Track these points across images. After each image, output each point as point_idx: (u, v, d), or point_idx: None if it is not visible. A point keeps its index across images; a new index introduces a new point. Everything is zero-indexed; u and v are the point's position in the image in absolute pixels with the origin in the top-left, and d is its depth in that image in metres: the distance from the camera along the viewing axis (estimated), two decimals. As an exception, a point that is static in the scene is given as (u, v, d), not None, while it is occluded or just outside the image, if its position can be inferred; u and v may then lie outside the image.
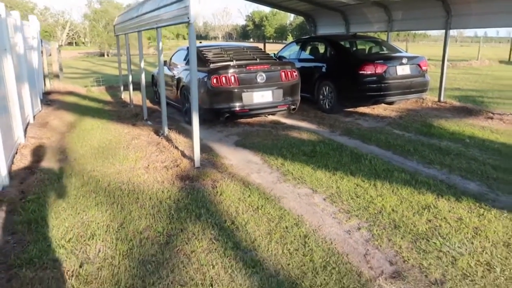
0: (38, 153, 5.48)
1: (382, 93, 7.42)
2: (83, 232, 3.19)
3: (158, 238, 3.09)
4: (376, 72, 7.31)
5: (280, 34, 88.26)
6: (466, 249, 2.90)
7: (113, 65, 23.07)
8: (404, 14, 9.23)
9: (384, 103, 8.37)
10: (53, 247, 2.95)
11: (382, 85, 7.35)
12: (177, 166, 4.77)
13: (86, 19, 54.91)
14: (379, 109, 8.24)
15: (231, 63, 6.61)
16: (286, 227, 3.27)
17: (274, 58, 8.06)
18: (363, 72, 7.30)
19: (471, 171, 4.52)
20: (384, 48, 8.60)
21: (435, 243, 2.99)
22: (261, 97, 6.60)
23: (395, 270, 2.69)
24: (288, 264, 2.74)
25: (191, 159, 4.97)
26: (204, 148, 5.47)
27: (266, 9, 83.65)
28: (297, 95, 7.03)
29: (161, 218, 3.42)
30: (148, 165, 4.88)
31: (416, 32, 52.42)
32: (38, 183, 4.30)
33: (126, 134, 6.45)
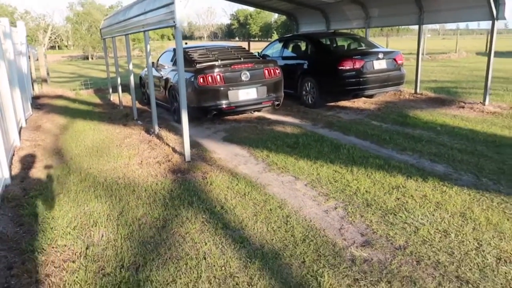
0: (34, 154, 5.75)
1: (360, 87, 7.83)
2: (86, 221, 3.52)
3: (155, 223, 3.43)
4: (355, 67, 7.72)
5: (265, 32, 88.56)
6: (428, 220, 3.30)
7: (99, 68, 23.18)
8: (380, 11, 9.67)
9: (364, 97, 8.79)
10: (60, 234, 3.27)
11: (361, 79, 7.76)
12: (169, 161, 5.10)
13: (69, 22, 54.38)
14: (359, 103, 8.65)
15: (216, 63, 6.94)
16: (270, 209, 3.63)
17: (258, 57, 8.41)
18: (342, 67, 7.70)
19: (439, 155, 4.94)
20: (362, 44, 9.01)
21: (401, 216, 3.39)
22: (246, 94, 6.95)
23: (366, 240, 3.07)
24: (272, 239, 3.11)
25: (182, 154, 5.30)
26: (194, 144, 5.80)
27: (250, 8, 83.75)
28: (280, 92, 7.40)
29: (156, 206, 3.76)
30: (142, 161, 5.20)
31: (397, 26, 53.16)
32: (38, 181, 4.60)
33: (118, 134, 6.75)
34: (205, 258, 2.86)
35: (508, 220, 3.25)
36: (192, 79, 6.77)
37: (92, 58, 39.27)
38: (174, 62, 7.96)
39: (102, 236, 3.24)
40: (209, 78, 6.74)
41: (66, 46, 59.83)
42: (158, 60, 8.95)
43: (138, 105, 9.14)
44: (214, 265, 2.77)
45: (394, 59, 8.17)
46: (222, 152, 5.58)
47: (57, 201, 3.97)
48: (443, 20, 8.57)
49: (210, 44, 8.84)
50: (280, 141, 5.87)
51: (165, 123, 7.39)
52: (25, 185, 4.50)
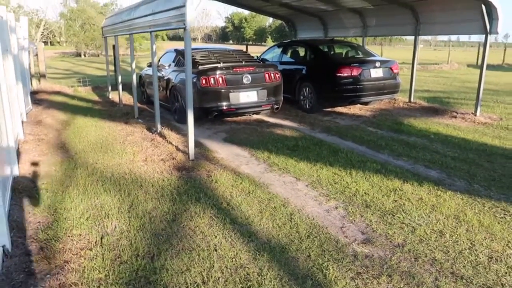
0: (39, 148, 5.85)
1: (357, 94, 8.07)
2: (97, 213, 3.65)
3: (165, 216, 3.58)
4: (352, 74, 7.95)
5: (260, 36, 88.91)
6: (424, 221, 3.50)
7: (93, 66, 23.18)
8: (377, 20, 9.95)
9: (360, 104, 9.03)
10: (74, 224, 3.40)
11: (358, 86, 8.00)
12: (173, 159, 5.24)
13: (62, 18, 53.99)
14: (355, 109, 8.89)
15: (219, 65, 7.11)
16: (275, 207, 3.81)
17: (258, 60, 8.59)
18: (340, 74, 7.93)
19: (433, 162, 5.17)
20: (359, 52, 9.27)
21: (399, 217, 3.59)
22: (247, 97, 7.13)
23: (366, 238, 3.26)
24: (278, 235, 3.28)
25: (185, 152, 5.45)
26: (196, 144, 5.90)
27: (245, 12, 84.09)
28: (280, 95, 7.60)
29: (165, 201, 3.90)
30: (146, 158, 5.33)
31: (393, 36, 53.96)
32: (46, 173, 4.72)
33: (120, 131, 6.87)
34: (216, 250, 3.02)
35: (498, 223, 3.47)
36: (195, 80, 6.92)
37: (84, 55, 39.10)
38: (176, 62, 8.11)
39: (115, 227, 3.37)
40: (212, 79, 6.90)
41: (59, 43, 59.35)
42: (159, 60, 9.07)
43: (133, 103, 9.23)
44: (225, 257, 2.93)
45: (390, 68, 8.43)
46: (224, 152, 5.74)
47: (67, 193, 4.08)
48: (438, 32, 8.87)
49: (211, 47, 9.01)
50: (280, 143, 6.06)
51: (166, 123, 7.51)
52: (33, 177, 4.61)
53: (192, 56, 7.54)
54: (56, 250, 2.99)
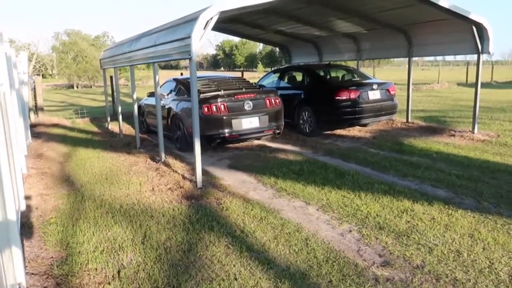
0: (43, 181, 5.81)
1: (356, 116, 8.18)
2: (111, 245, 3.61)
3: (181, 246, 3.55)
4: (351, 97, 8.09)
5: (250, 62, 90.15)
6: (440, 241, 3.51)
7: (88, 97, 23.32)
8: (371, 44, 10.20)
9: (359, 125, 9.13)
10: (89, 258, 3.35)
11: (356, 109, 8.12)
12: (180, 188, 5.23)
13: (54, 51, 54.48)
14: (354, 131, 8.99)
15: (220, 93, 7.20)
16: (289, 233, 3.80)
17: (258, 87, 8.71)
18: (339, 97, 8.06)
19: (439, 181, 5.22)
20: (356, 75, 9.46)
21: (414, 238, 3.60)
22: (249, 123, 7.19)
23: (384, 260, 3.26)
24: (296, 261, 3.26)
25: (192, 181, 5.45)
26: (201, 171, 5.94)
27: (236, 39, 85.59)
28: (281, 120, 7.68)
29: (178, 231, 3.88)
30: (153, 188, 5.32)
31: (385, 59, 54.91)
32: (54, 207, 4.67)
33: (124, 161, 6.86)
34: (236, 279, 2.99)
35: (513, 240, 3.49)
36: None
37: (77, 87, 39.30)
38: (177, 92, 8.21)
39: (131, 260, 3.33)
40: (213, 107, 6.97)
41: (51, 75, 59.64)
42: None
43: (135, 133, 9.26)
44: (246, 285, 2.90)
45: (387, 90, 8.59)
46: (230, 179, 5.74)
47: (77, 226, 4.04)
48: (431, 53, 9.13)
49: (210, 75, 9.14)
50: (285, 168, 6.08)
51: (168, 151, 7.51)
52: (40, 212, 4.56)
53: (193, 84, 7.67)
54: (73, 286, 2.94)
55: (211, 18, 4.87)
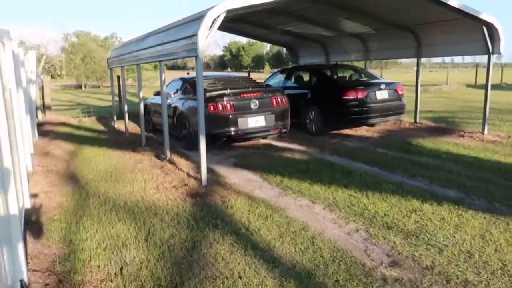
0: (48, 179, 5.79)
1: (364, 115, 8.08)
2: (114, 242, 3.56)
3: (184, 244, 3.49)
4: (358, 97, 7.99)
5: (257, 63, 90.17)
6: (450, 242, 3.42)
7: (95, 97, 23.40)
8: (379, 44, 10.10)
9: (366, 125, 9.02)
10: (91, 255, 3.31)
11: (364, 108, 8.02)
12: (185, 185, 5.18)
13: (64, 52, 54.89)
14: (361, 131, 8.89)
15: (226, 92, 7.15)
16: (295, 232, 3.73)
17: (264, 86, 8.66)
18: (346, 97, 7.97)
19: (449, 181, 5.11)
20: (363, 75, 9.36)
21: (423, 238, 3.51)
22: (255, 122, 7.13)
23: (393, 260, 3.17)
24: (302, 260, 3.19)
25: (197, 179, 5.40)
26: (206, 170, 5.89)
27: (243, 40, 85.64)
28: (287, 119, 7.61)
29: (182, 228, 3.82)
30: (158, 186, 5.27)
31: (388, 60, 54.53)
32: (58, 204, 4.64)
33: (129, 159, 6.83)
34: (240, 277, 2.92)
35: (526, 241, 3.38)
36: (203, 107, 6.93)
37: (85, 87, 39.50)
38: (183, 90, 8.18)
39: (134, 257, 3.28)
40: (220, 106, 6.93)
41: (59, 75, 60.06)
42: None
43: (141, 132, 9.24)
44: (250, 284, 2.84)
45: (395, 90, 8.49)
46: (235, 177, 5.68)
47: (81, 223, 4.01)
48: (440, 54, 9.01)
49: (216, 74, 9.10)
50: (291, 167, 6.00)
51: (173, 149, 7.46)
52: (45, 209, 4.53)
53: (199, 83, 7.63)
54: (75, 282, 2.90)
55: (218, 17, 4.83)
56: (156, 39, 6.27)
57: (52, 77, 58.80)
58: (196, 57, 4.86)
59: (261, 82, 10.14)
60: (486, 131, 7.91)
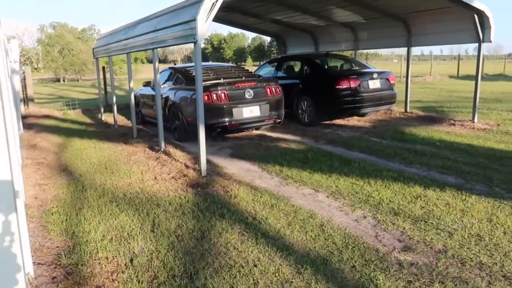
0: (40, 171, 5.60)
1: (357, 105, 8.10)
2: (120, 234, 3.46)
3: (193, 234, 3.41)
4: (351, 86, 7.99)
5: (239, 56, 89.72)
6: (458, 226, 3.44)
7: (76, 90, 22.89)
8: (369, 34, 10.11)
9: (357, 115, 9.06)
10: (98, 247, 3.20)
11: (357, 98, 8.03)
12: (184, 176, 5.08)
13: (40, 44, 53.29)
14: (353, 121, 8.92)
15: (220, 81, 7.04)
16: (303, 219, 3.69)
17: (258, 75, 8.57)
18: (339, 87, 7.96)
19: (447, 168, 5.16)
20: (354, 65, 9.36)
21: (432, 223, 3.52)
22: (250, 112, 7.05)
23: (405, 245, 3.17)
24: (315, 247, 3.16)
25: (196, 169, 5.30)
26: (204, 160, 5.80)
27: (224, 32, 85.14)
28: (281, 109, 7.55)
29: (188, 218, 3.74)
30: (156, 177, 5.16)
31: (368, 51, 54.88)
32: (54, 197, 4.49)
33: (122, 151, 6.67)
34: (255, 266, 2.87)
35: (532, 224, 3.43)
36: (197, 97, 6.81)
37: (64, 81, 38.45)
38: (174, 81, 8.02)
39: (142, 248, 3.19)
40: (214, 95, 6.81)
41: (36, 69, 58.39)
42: (153, 80, 8.94)
43: (130, 124, 9.05)
44: (267, 272, 2.79)
45: (387, 79, 8.53)
46: (233, 167, 5.61)
47: (82, 215, 3.88)
48: (430, 43, 9.06)
49: (209, 64, 8.95)
50: (289, 156, 5.96)
51: (166, 141, 7.32)
52: (40, 202, 4.37)
53: (191, 73, 7.50)
54: (84, 275, 2.79)
55: (217, 0, 4.71)
56: (149, 25, 6.10)
57: (29, 70, 57.23)
58: (195, 42, 4.74)
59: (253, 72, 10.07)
60: (476, 120, 8.03)
